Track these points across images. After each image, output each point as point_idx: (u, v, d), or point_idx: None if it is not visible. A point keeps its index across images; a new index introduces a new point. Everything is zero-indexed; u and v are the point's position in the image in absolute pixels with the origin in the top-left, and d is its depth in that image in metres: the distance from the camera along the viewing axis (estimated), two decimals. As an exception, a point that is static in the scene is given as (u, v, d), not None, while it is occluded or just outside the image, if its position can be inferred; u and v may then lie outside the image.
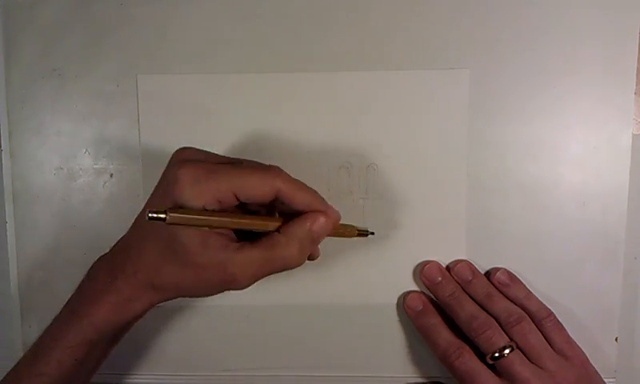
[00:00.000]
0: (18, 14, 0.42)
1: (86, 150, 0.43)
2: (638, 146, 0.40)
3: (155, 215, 0.28)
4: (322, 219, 0.32)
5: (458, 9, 0.40)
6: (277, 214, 0.35)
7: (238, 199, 0.31)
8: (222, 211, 0.31)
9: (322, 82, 0.41)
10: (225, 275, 0.31)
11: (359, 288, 0.42)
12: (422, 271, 0.41)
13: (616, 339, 0.41)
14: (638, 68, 0.39)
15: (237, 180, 0.30)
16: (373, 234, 0.39)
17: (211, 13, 0.41)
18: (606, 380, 0.39)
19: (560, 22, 0.39)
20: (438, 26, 0.40)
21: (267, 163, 0.34)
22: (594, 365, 0.39)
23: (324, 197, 0.41)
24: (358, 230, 0.37)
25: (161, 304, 0.34)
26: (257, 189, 0.30)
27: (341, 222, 0.34)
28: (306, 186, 0.32)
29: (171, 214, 0.29)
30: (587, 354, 0.39)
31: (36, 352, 0.34)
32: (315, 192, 0.33)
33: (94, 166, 0.43)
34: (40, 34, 0.42)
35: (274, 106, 0.41)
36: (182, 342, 0.44)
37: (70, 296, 0.36)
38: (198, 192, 0.30)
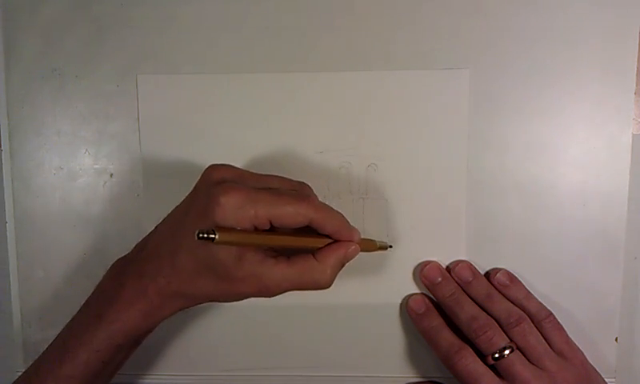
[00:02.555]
0: (18, 13, 0.42)
1: (86, 150, 0.43)
2: (638, 145, 0.40)
3: (206, 235, 0.29)
4: (353, 247, 0.34)
5: (457, 9, 0.40)
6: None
7: (271, 224, 0.32)
8: (262, 231, 0.33)
9: (322, 82, 0.41)
10: (260, 287, 0.33)
11: (359, 288, 0.42)
12: (422, 271, 0.41)
13: (616, 339, 0.41)
14: (638, 68, 0.39)
15: (274, 209, 0.32)
16: (391, 247, 0.40)
17: (211, 13, 0.41)
18: (606, 380, 0.39)
19: (560, 22, 0.39)
20: (438, 26, 0.40)
21: (298, 181, 0.36)
22: (594, 365, 0.39)
23: (324, 197, 0.41)
24: (378, 245, 0.38)
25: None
26: (292, 218, 0.32)
27: (364, 238, 0.36)
28: (333, 212, 0.34)
29: (221, 235, 0.29)
30: (587, 354, 0.39)
31: (62, 353, 0.35)
32: (342, 217, 0.34)
33: (94, 166, 0.43)
34: (40, 34, 0.42)
35: (274, 106, 0.41)
36: (182, 342, 0.44)
37: (88, 296, 0.36)
38: (237, 217, 0.31)
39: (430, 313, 0.41)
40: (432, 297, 0.41)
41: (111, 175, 0.43)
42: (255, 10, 0.41)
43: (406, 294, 0.42)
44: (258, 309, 0.43)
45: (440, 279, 0.40)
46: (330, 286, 0.34)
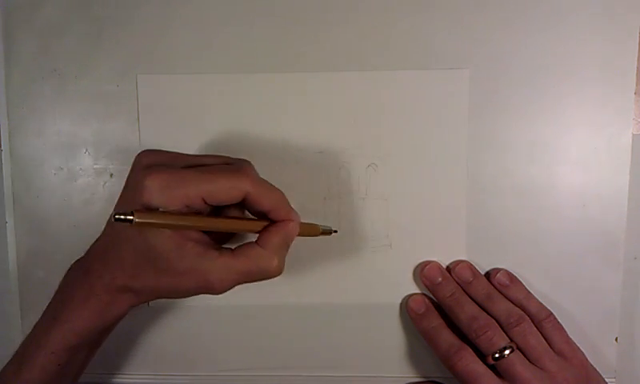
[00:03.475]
0: (18, 14, 0.42)
1: (86, 150, 0.43)
2: (638, 145, 0.40)
3: (122, 217, 0.28)
4: (292, 225, 0.33)
5: (457, 9, 0.40)
6: (245, 213, 0.35)
7: (206, 203, 0.31)
8: (192, 213, 0.31)
9: (322, 82, 0.41)
10: (203, 282, 0.31)
11: (359, 288, 0.42)
12: (422, 272, 0.41)
13: (616, 339, 0.41)
14: (638, 68, 0.39)
15: (205, 185, 0.30)
16: (336, 231, 0.40)
17: (211, 13, 0.41)
18: (606, 380, 0.39)
19: (560, 21, 0.39)
20: (437, 26, 0.40)
21: (237, 158, 0.34)
22: (594, 365, 0.39)
23: (324, 197, 0.41)
24: (322, 229, 0.37)
25: (153, 304, 0.34)
26: (225, 193, 0.31)
27: (305, 222, 0.35)
28: (272, 187, 0.33)
29: (138, 216, 0.28)
30: (587, 354, 0.39)
31: (20, 359, 0.35)
32: (281, 193, 0.33)
33: (94, 166, 0.43)
34: (40, 34, 0.42)
35: (274, 106, 0.41)
36: (182, 342, 0.44)
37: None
38: (166, 198, 0.30)
39: (430, 313, 0.41)
40: (432, 297, 0.41)
41: (111, 175, 0.43)
42: (255, 10, 0.41)
43: (405, 294, 0.42)
44: (258, 309, 0.43)
45: (440, 279, 0.40)
46: (279, 273, 0.33)
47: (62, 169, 0.43)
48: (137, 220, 0.28)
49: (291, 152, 0.41)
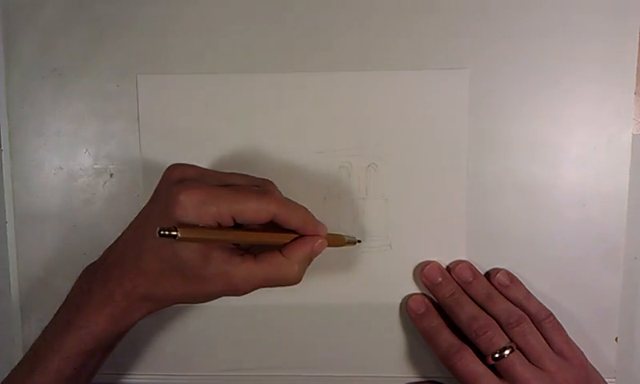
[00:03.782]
0: (18, 14, 0.42)
1: (86, 150, 0.43)
2: (638, 146, 0.40)
3: (167, 232, 0.29)
4: (320, 241, 0.34)
5: (457, 9, 0.40)
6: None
7: (235, 221, 0.32)
8: (224, 227, 0.32)
9: (322, 82, 0.41)
10: (228, 285, 0.33)
11: (359, 288, 0.42)
12: (422, 272, 0.41)
13: (616, 339, 0.41)
14: (638, 68, 0.39)
15: (236, 205, 0.31)
16: (360, 241, 0.41)
17: (211, 13, 0.41)
18: (606, 380, 0.39)
19: (560, 22, 0.39)
20: (437, 26, 0.40)
21: (261, 178, 0.36)
22: (594, 365, 0.39)
23: (324, 197, 0.41)
24: (347, 240, 0.38)
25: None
26: (255, 214, 0.32)
27: (330, 232, 0.36)
28: (297, 206, 0.34)
29: (182, 231, 0.29)
30: (587, 354, 0.39)
31: (33, 362, 0.35)
32: (306, 211, 0.34)
33: (94, 166, 0.43)
34: (40, 33, 0.42)
35: (274, 106, 0.41)
36: (182, 342, 0.44)
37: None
38: (199, 215, 0.31)
39: (430, 313, 0.41)
40: (432, 297, 0.41)
41: (111, 175, 0.43)
42: (255, 10, 0.41)
43: (405, 294, 0.42)
44: (258, 309, 0.43)
45: (440, 279, 0.40)
46: (298, 281, 0.34)
47: (61, 169, 0.43)
48: (180, 236, 0.29)
49: (291, 152, 0.41)
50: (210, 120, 0.41)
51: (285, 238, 0.34)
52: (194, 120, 0.41)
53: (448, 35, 0.40)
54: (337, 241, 0.38)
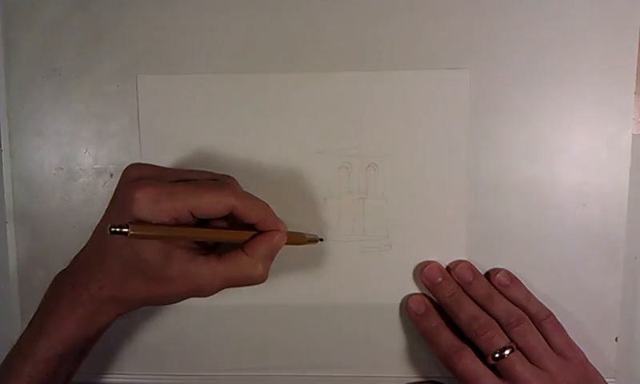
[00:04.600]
0: (18, 14, 0.42)
1: (86, 150, 0.43)
2: (638, 145, 0.40)
3: (118, 229, 0.29)
4: (279, 236, 0.34)
5: (457, 9, 0.40)
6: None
7: (193, 216, 0.32)
8: (181, 225, 0.32)
9: (321, 82, 0.41)
10: (191, 285, 0.33)
11: (359, 288, 0.42)
12: (422, 272, 0.41)
13: (616, 339, 0.41)
14: (638, 68, 0.39)
15: (193, 199, 0.31)
16: (322, 240, 0.41)
17: (211, 13, 0.41)
18: (606, 380, 0.39)
19: (560, 22, 0.39)
20: (438, 26, 0.40)
21: (221, 173, 0.36)
22: (594, 365, 0.39)
23: (324, 197, 0.41)
24: (308, 238, 0.39)
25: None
26: (212, 207, 0.32)
27: (291, 231, 0.36)
28: (257, 200, 0.34)
29: (133, 228, 0.29)
30: (587, 354, 0.39)
31: (8, 369, 0.35)
32: (267, 206, 0.34)
33: (94, 166, 0.43)
34: (40, 33, 0.42)
35: (273, 106, 0.41)
36: (182, 342, 0.44)
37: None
38: (155, 211, 0.31)
39: (430, 313, 0.41)
40: (432, 297, 0.41)
41: (111, 175, 0.43)
42: (255, 9, 0.41)
43: (405, 294, 0.42)
44: (258, 309, 0.43)
45: (440, 279, 0.40)
46: (264, 280, 0.34)
47: (61, 169, 0.43)
48: (131, 232, 0.29)
49: (291, 152, 0.41)
50: (210, 120, 0.41)
51: (244, 235, 0.34)
52: (194, 120, 0.41)
53: (448, 35, 0.40)
54: (297, 238, 0.38)
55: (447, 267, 0.41)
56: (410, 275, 0.42)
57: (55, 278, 0.37)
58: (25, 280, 0.44)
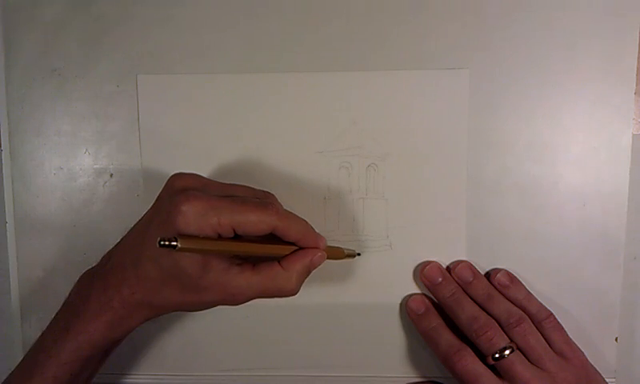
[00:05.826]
0: (18, 13, 0.42)
1: (86, 150, 0.43)
2: (638, 145, 0.40)
3: (167, 243, 0.29)
4: (319, 254, 0.35)
5: (457, 9, 0.40)
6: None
7: (235, 232, 0.32)
8: (224, 238, 0.32)
9: (322, 82, 0.41)
10: (225, 295, 0.33)
11: (359, 288, 0.42)
12: (422, 272, 0.41)
13: (616, 339, 0.41)
14: (638, 68, 0.39)
15: (237, 217, 0.31)
16: (359, 254, 0.41)
17: (211, 13, 0.41)
18: (606, 380, 0.39)
19: (560, 22, 0.39)
20: (437, 26, 0.40)
21: (262, 190, 0.36)
22: (594, 365, 0.39)
23: (324, 197, 0.41)
24: (346, 253, 0.39)
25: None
26: (255, 226, 0.32)
27: (330, 245, 0.37)
28: (298, 219, 0.34)
29: (182, 242, 0.29)
30: (587, 354, 0.39)
31: (31, 368, 0.35)
32: (307, 224, 0.35)
33: (94, 166, 0.43)
34: (40, 33, 0.42)
35: (273, 106, 0.41)
36: (182, 342, 0.44)
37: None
38: (200, 225, 0.31)
39: (430, 313, 0.41)
40: (432, 297, 0.41)
41: (111, 175, 0.43)
42: (255, 10, 0.41)
43: (405, 294, 0.42)
44: (258, 309, 0.43)
45: (440, 279, 0.40)
46: (295, 293, 0.34)
47: (61, 169, 0.43)
48: (180, 246, 0.29)
49: (291, 152, 0.41)
50: (210, 120, 0.41)
51: (284, 250, 0.34)
52: (194, 120, 0.41)
53: (448, 35, 0.40)
54: (336, 253, 0.38)
55: (447, 267, 0.41)
56: (410, 275, 0.42)
57: (82, 277, 0.37)
58: (25, 280, 0.44)
